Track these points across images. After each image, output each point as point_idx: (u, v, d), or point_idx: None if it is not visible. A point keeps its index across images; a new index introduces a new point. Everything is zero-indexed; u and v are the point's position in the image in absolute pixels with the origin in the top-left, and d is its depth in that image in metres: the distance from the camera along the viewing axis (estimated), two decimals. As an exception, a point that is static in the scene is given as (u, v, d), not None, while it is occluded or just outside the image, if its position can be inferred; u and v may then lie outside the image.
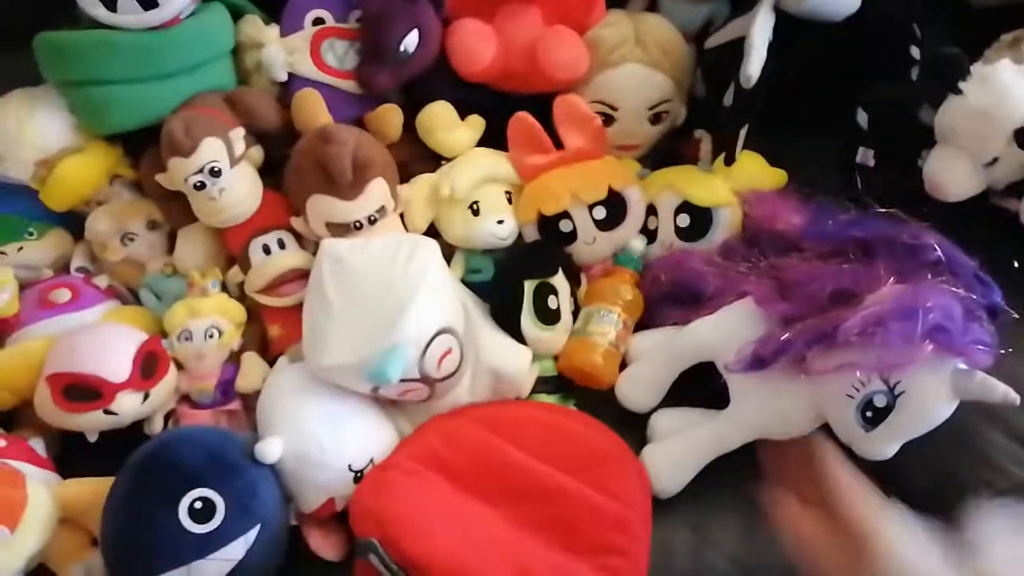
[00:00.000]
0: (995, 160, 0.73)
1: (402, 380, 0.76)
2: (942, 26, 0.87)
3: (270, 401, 0.82)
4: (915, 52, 0.85)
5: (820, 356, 0.72)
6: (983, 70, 0.72)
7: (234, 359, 0.88)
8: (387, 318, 0.76)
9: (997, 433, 0.77)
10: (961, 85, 0.72)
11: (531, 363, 0.87)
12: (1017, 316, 0.72)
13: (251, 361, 0.87)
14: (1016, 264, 0.75)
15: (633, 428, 0.85)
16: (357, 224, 0.88)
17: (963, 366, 0.68)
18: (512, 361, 0.86)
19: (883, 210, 0.76)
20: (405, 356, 0.75)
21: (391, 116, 0.94)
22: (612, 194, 0.94)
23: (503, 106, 0.97)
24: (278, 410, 0.80)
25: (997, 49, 0.76)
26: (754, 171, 0.94)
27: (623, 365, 0.90)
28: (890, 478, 0.76)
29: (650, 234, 0.96)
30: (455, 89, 0.98)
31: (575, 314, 0.92)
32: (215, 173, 0.84)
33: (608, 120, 0.98)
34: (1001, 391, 0.67)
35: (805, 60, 0.88)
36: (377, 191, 0.88)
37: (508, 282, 0.89)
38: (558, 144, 0.94)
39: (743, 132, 0.90)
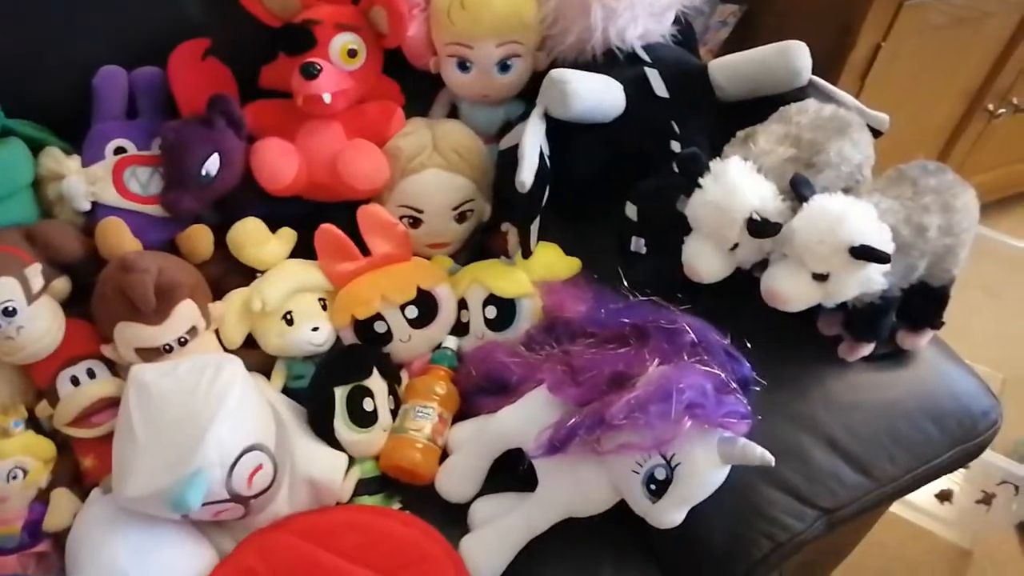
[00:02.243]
0: (736, 245, 0.81)
1: (211, 503, 0.77)
2: (701, 120, 0.96)
3: (78, 537, 0.81)
4: (675, 147, 0.93)
5: (604, 438, 0.77)
6: (716, 166, 0.80)
7: (44, 497, 0.87)
8: (187, 444, 0.77)
9: (772, 489, 0.83)
10: (701, 180, 0.81)
11: (349, 467, 0.90)
12: (765, 384, 0.79)
13: (60, 498, 0.86)
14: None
15: (458, 520, 0.88)
16: (167, 347, 0.89)
17: (727, 435, 0.75)
18: (326, 468, 0.88)
19: (644, 298, 0.83)
20: (207, 481, 0.76)
21: (200, 236, 0.97)
22: (421, 293, 0.98)
23: (317, 215, 1.01)
24: (85, 547, 0.79)
25: (732, 145, 0.85)
26: (551, 261, 1.01)
27: (445, 458, 0.93)
28: (686, 542, 0.83)
29: (464, 327, 1.01)
30: (266, 204, 1.01)
31: (397, 412, 0.95)
32: (9, 312, 0.84)
33: (416, 222, 1.04)
34: (759, 454, 0.74)
35: (583, 158, 0.96)
36: (185, 312, 0.90)
37: (318, 390, 0.92)
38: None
39: (534, 227, 0.96)
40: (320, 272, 0.99)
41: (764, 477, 0.82)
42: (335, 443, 0.90)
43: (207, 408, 0.80)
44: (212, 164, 0.95)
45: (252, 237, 0.99)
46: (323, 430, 0.90)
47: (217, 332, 0.96)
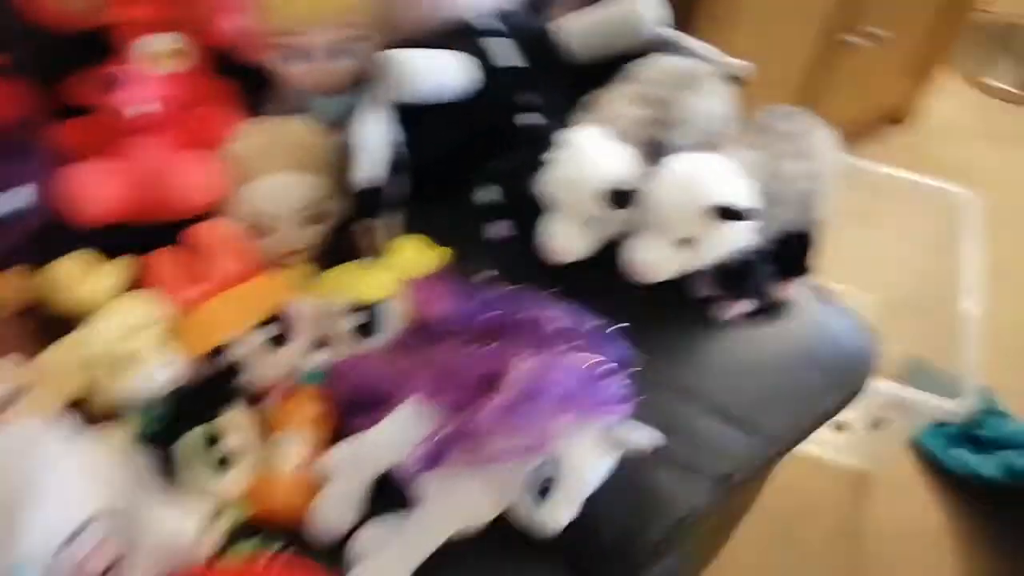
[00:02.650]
0: (597, 219, 0.76)
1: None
2: (551, 88, 0.91)
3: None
4: (528, 120, 0.88)
5: (479, 447, 0.73)
6: (566, 137, 0.75)
7: None
8: (2, 535, 0.67)
9: (660, 468, 0.80)
10: (550, 155, 0.76)
11: (209, 519, 0.81)
12: (644, 360, 0.76)
13: None
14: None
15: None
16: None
17: (610, 421, 0.72)
18: (179, 529, 0.78)
19: (509, 287, 0.78)
20: (32, 573, 0.67)
21: (11, 284, 0.86)
22: (276, 311, 0.90)
23: (153, 239, 0.91)
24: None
25: (580, 112, 0.81)
26: (416, 255, 0.94)
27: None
28: (581, 540, 0.79)
29: (329, 339, 0.94)
30: (92, 235, 0.91)
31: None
32: None
33: (263, 233, 0.95)
34: (646, 436, 0.71)
35: (431, 140, 0.90)
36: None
37: (166, 438, 0.83)
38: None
39: (387, 222, 0.90)
40: (159, 302, 0.90)
41: (650, 457, 0.79)
42: (193, 494, 0.81)
43: (20, 492, 0.68)
44: (13, 200, 0.84)
45: (73, 277, 0.88)
46: (176, 484, 0.82)
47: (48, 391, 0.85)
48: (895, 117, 2.03)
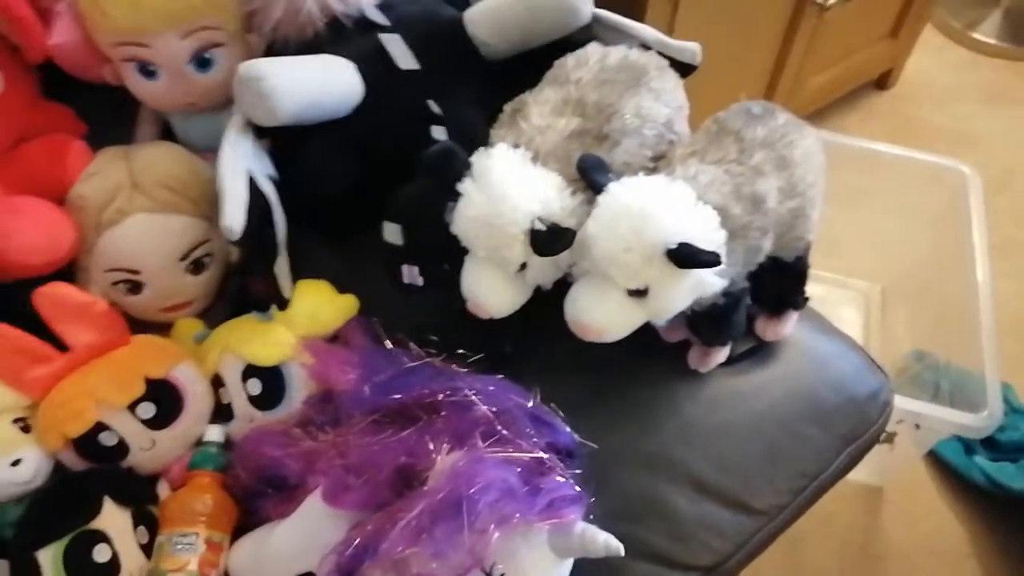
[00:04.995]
0: (524, 265, 0.59)
1: None
2: (467, 91, 0.74)
3: None
4: (438, 133, 0.71)
5: (398, 568, 0.57)
6: (478, 164, 0.58)
7: None
8: None
9: (638, 561, 0.66)
10: (461, 186, 0.58)
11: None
12: (596, 447, 0.59)
13: None
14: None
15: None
16: None
17: (557, 526, 0.56)
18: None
19: (423, 358, 0.61)
20: None
21: None
22: (153, 384, 0.74)
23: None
24: None
25: (498, 127, 0.63)
26: (317, 306, 0.78)
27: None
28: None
29: (227, 410, 0.77)
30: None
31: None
32: None
33: (136, 286, 0.79)
34: (601, 543, 0.56)
35: (322, 170, 0.73)
36: None
37: (17, 559, 0.67)
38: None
39: (281, 270, 0.73)
40: (6, 387, 0.73)
41: (627, 548, 0.64)
42: (61, 619, 0.66)
43: None
44: None
45: None
46: (39, 605, 0.66)
47: None
48: (879, 82, 1.87)
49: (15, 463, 0.71)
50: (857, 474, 1.29)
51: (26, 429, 0.73)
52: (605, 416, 0.63)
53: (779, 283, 0.67)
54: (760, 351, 0.71)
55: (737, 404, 0.69)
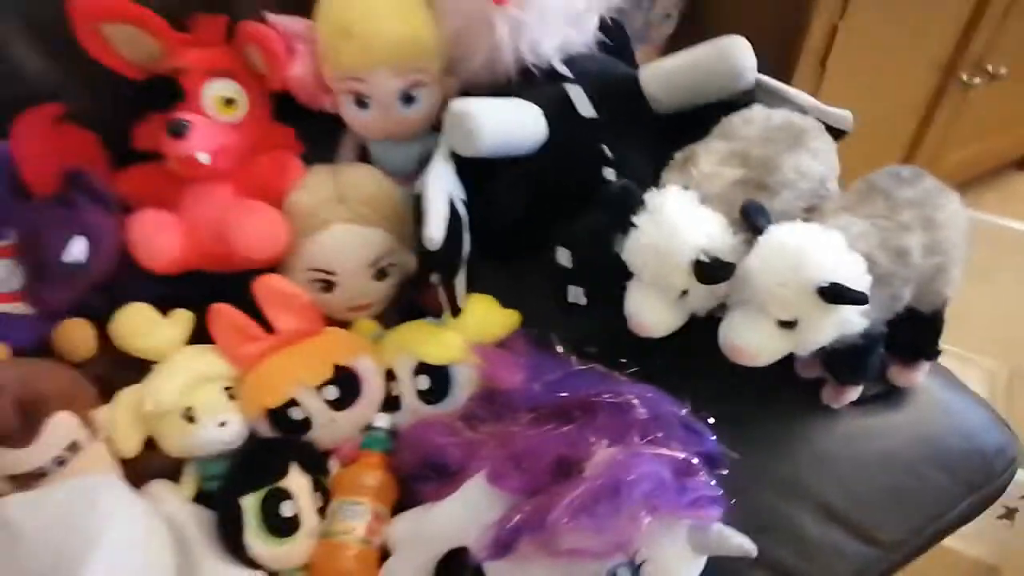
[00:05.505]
0: (686, 292, 0.68)
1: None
2: (638, 139, 0.83)
3: None
4: (609, 174, 0.80)
5: (553, 541, 0.65)
6: (652, 200, 0.67)
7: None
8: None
9: (761, 573, 0.70)
10: (635, 219, 0.68)
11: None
12: (737, 456, 0.66)
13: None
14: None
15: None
16: (42, 471, 0.76)
17: (698, 523, 0.63)
18: (235, 592, 0.75)
19: (587, 359, 0.69)
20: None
21: (76, 332, 0.83)
22: (340, 370, 0.85)
23: (217, 290, 0.87)
24: None
25: (669, 171, 0.72)
26: (486, 317, 0.88)
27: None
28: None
29: (395, 401, 0.88)
30: (157, 284, 0.88)
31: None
32: None
33: (329, 286, 0.90)
34: (736, 544, 0.62)
35: (504, 199, 0.84)
36: (59, 428, 0.77)
37: (224, 502, 0.79)
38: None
39: (460, 282, 0.83)
40: (220, 358, 0.86)
41: (751, 560, 0.69)
42: (250, 560, 0.77)
43: (77, 548, 0.67)
44: (77, 248, 0.82)
45: (138, 326, 0.85)
46: (234, 547, 0.77)
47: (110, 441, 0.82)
48: (1021, 163, 1.86)
49: (222, 424, 0.83)
50: (976, 550, 1.29)
51: (232, 397, 0.86)
52: (741, 439, 0.69)
53: (915, 333, 0.72)
54: (891, 396, 0.76)
55: (867, 441, 0.74)
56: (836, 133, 0.80)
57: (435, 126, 0.95)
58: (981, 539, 1.31)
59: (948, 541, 1.27)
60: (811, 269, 0.60)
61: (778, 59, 0.82)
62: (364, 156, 1.00)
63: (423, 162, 0.95)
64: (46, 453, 0.76)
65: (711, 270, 0.64)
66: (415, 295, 0.96)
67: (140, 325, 0.85)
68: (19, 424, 0.74)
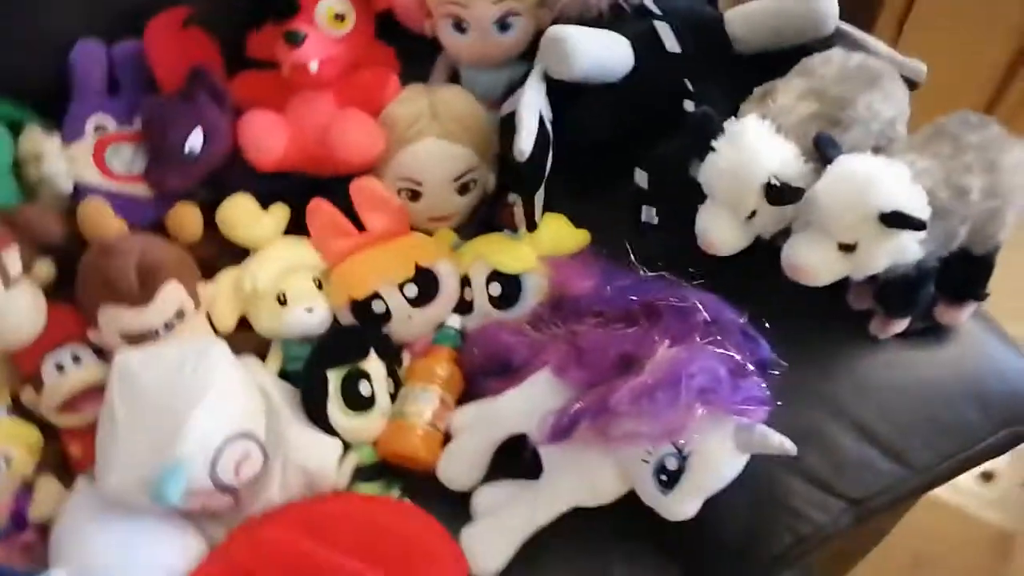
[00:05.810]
0: (755, 213, 0.73)
1: (195, 494, 0.74)
2: (718, 76, 0.88)
3: (61, 529, 0.78)
4: (689, 106, 0.86)
5: (610, 425, 0.72)
6: (731, 127, 0.73)
7: (30, 485, 0.83)
8: (168, 434, 0.74)
9: (795, 479, 0.77)
10: (714, 143, 0.73)
11: (344, 454, 0.85)
12: (787, 365, 0.72)
13: (46, 486, 0.82)
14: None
15: (460, 508, 0.83)
16: (153, 332, 0.85)
17: (744, 422, 0.69)
18: (320, 456, 0.83)
19: (655, 273, 0.76)
20: (186, 473, 0.72)
21: (187, 215, 0.92)
22: (421, 271, 0.93)
23: (311, 189, 0.96)
24: (66, 539, 0.77)
25: (748, 103, 0.78)
26: (558, 234, 0.94)
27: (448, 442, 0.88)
28: (701, 535, 0.77)
29: (468, 305, 0.95)
30: (258, 179, 0.96)
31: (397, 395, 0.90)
32: (-16, 298, 0.80)
33: (415, 195, 0.98)
34: (778, 442, 0.69)
35: (588, 122, 0.89)
36: (171, 295, 0.86)
37: (311, 374, 0.87)
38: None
39: (539, 197, 0.90)
40: (314, 250, 0.94)
41: (787, 466, 0.76)
42: (330, 429, 0.85)
43: (188, 396, 0.76)
44: (196, 140, 0.90)
45: (242, 215, 0.94)
46: (317, 415, 0.86)
47: (209, 315, 0.91)
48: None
49: (309, 310, 0.91)
50: (991, 514, 1.33)
51: (319, 287, 0.94)
52: (790, 356, 0.75)
53: (965, 273, 0.77)
54: (936, 332, 0.81)
55: (907, 370, 0.79)
56: (909, 85, 0.84)
57: (523, 55, 1.02)
58: (1001, 506, 1.34)
59: (966, 504, 1.33)
60: (875, 195, 0.65)
61: (856, 16, 0.85)
62: (455, 79, 1.06)
63: (510, 89, 1.02)
64: (159, 316, 0.85)
65: (781, 193, 0.70)
66: (492, 212, 1.03)
67: (243, 215, 0.94)
68: (138, 285, 0.83)
